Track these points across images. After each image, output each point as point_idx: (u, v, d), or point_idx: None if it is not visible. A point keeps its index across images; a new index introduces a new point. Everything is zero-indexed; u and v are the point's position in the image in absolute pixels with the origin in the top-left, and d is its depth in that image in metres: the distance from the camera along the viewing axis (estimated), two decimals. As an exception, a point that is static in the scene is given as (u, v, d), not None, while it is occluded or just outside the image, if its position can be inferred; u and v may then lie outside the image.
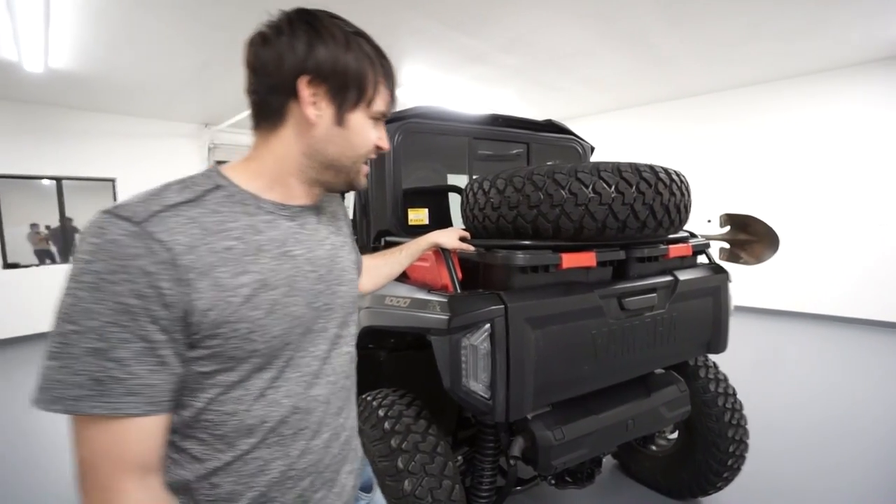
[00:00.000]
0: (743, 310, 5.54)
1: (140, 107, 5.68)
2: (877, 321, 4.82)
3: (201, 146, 6.73)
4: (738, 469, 1.88)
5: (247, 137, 0.64)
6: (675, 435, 2.04)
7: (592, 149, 2.45)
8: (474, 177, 1.58)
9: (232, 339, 0.54)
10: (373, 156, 0.69)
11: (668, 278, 1.50)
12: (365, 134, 0.65)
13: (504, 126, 2.15)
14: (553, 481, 1.75)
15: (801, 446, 2.48)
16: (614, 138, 6.83)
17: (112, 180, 6.02)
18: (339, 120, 0.62)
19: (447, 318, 1.17)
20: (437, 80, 5.20)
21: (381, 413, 1.42)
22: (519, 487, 1.74)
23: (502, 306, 1.16)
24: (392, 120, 1.87)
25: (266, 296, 0.57)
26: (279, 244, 0.61)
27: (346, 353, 0.72)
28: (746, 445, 1.86)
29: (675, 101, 6.15)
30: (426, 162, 2.22)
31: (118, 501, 0.48)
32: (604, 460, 1.89)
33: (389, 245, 1.79)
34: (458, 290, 1.24)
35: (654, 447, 2.09)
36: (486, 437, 1.54)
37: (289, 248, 0.62)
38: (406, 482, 1.23)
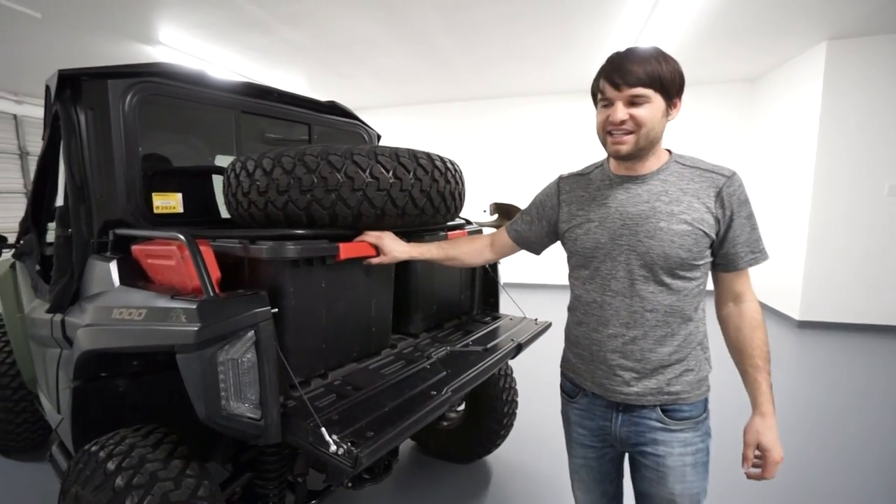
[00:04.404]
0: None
1: None
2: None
3: None
4: (511, 426, 2.17)
5: None
6: (462, 407, 2.22)
7: (379, 136, 2.43)
8: (237, 157, 1.33)
9: None
10: (611, 131, 0.93)
11: None
12: (597, 117, 0.96)
13: (281, 102, 1.90)
14: (350, 484, 1.66)
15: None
16: (402, 132, 7.14)
17: None
18: None
19: (196, 329, 0.92)
20: (204, 52, 4.42)
21: (110, 466, 1.06)
22: (313, 501, 1.59)
23: (268, 308, 0.98)
24: (119, 75, 1.42)
25: None
26: None
27: None
28: (517, 404, 2.16)
29: (456, 102, 6.81)
30: (180, 135, 1.80)
31: None
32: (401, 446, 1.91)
33: (122, 239, 1.37)
34: (213, 293, 1.00)
35: (445, 422, 2.23)
36: (268, 456, 1.34)
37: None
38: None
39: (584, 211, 1.04)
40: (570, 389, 1.14)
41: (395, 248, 1.26)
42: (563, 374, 1.17)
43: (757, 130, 5.59)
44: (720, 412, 2.43)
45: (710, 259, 0.96)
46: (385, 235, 1.27)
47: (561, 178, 1.15)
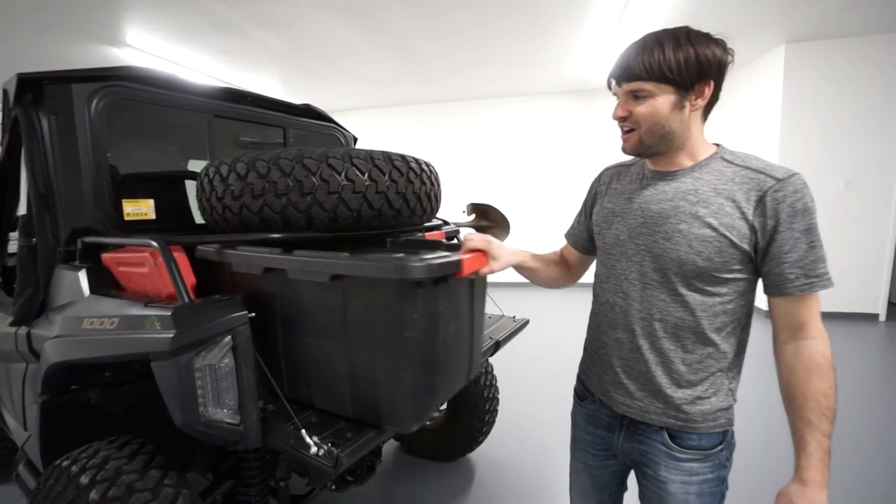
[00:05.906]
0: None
1: None
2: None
3: None
4: (493, 423, 2.20)
5: None
6: (444, 406, 2.23)
7: (355, 139, 2.43)
8: (210, 161, 1.32)
9: None
10: (620, 126, 0.87)
11: None
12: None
13: (254, 105, 1.89)
14: (333, 486, 1.66)
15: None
16: (380, 134, 7.13)
17: None
18: None
19: (171, 336, 0.91)
20: (174, 55, 4.32)
21: (83, 480, 1.03)
22: (296, 506, 1.58)
23: (245, 312, 0.98)
24: (85, 79, 1.39)
25: None
26: None
27: None
28: (498, 401, 2.19)
29: (434, 104, 6.84)
30: (151, 141, 1.76)
31: None
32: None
33: (91, 248, 1.33)
34: (188, 299, 0.99)
35: (427, 422, 2.24)
36: (249, 462, 1.33)
37: None
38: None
39: (612, 203, 0.96)
40: (581, 392, 1.08)
41: (504, 253, 1.02)
42: (577, 376, 1.11)
43: (721, 131, 5.80)
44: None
45: (744, 276, 0.81)
46: (492, 239, 1.03)
47: (604, 170, 1.05)
